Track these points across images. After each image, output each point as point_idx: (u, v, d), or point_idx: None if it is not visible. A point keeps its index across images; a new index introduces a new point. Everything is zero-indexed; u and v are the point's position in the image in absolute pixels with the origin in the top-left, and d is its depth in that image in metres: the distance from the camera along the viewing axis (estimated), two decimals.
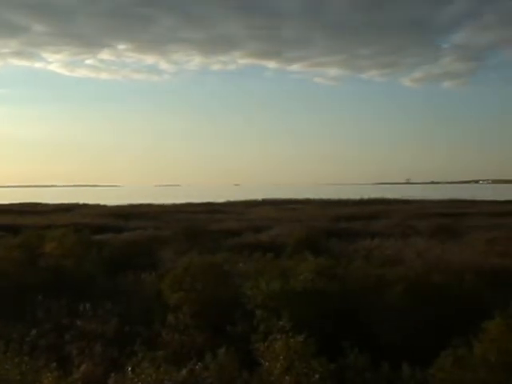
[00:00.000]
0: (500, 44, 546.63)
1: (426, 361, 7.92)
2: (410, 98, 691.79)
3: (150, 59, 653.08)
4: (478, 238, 24.66)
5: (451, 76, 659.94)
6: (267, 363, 7.86)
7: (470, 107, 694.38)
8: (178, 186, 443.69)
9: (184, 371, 7.50)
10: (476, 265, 15.18)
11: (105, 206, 58.47)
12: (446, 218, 35.93)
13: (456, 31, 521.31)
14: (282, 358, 7.76)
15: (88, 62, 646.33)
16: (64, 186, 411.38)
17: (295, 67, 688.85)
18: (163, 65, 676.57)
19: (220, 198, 79.63)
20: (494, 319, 8.28)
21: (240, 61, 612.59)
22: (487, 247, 20.90)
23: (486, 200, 69.22)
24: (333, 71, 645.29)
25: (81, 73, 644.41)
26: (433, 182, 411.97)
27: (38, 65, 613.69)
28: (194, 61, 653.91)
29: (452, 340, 8.08)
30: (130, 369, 7.70)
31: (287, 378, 7.35)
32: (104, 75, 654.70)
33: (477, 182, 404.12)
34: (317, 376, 7.29)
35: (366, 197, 73.31)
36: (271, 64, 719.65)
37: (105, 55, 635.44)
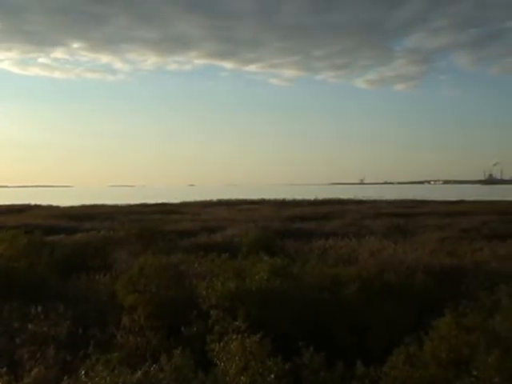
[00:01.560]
0: (449, 48, 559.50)
1: (379, 359, 8.06)
2: (363, 100, 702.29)
3: (104, 58, 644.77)
4: (429, 237, 25.21)
5: (403, 78, 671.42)
6: (223, 364, 7.88)
7: (421, 109, 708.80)
8: (132, 186, 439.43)
9: (139, 373, 7.43)
10: (427, 264, 15.51)
11: (57, 207, 57.56)
12: (399, 218, 36.59)
13: (408, 34, 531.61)
14: (237, 358, 7.78)
15: (41, 60, 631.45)
16: (15, 186, 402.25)
17: (251, 68, 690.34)
18: (118, 64, 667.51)
19: (175, 199, 79.26)
20: (444, 317, 8.50)
21: (196, 61, 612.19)
22: (437, 246, 21.38)
23: (436, 200, 70.75)
24: (288, 72, 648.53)
25: (33, 71, 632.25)
26: (386, 183, 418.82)
27: None
28: (150, 60, 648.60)
29: (404, 338, 8.25)
30: (83, 372, 7.60)
31: (242, 378, 7.37)
32: (57, 74, 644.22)
33: (428, 182, 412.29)
34: (272, 376, 7.33)
35: (320, 197, 74.11)
36: (227, 64, 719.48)
37: (58, 54, 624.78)
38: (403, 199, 72.90)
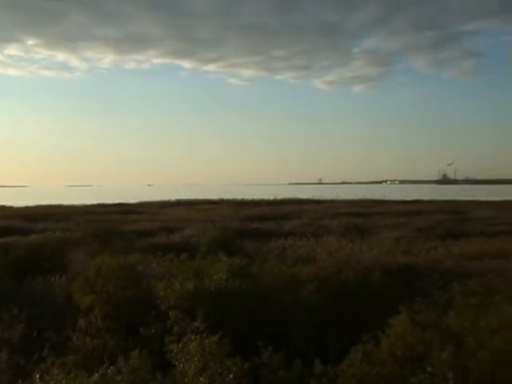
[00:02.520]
0: (408, 50, 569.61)
1: (338, 357, 8.14)
2: (323, 100, 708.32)
3: (60, 56, 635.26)
4: (385, 236, 25.59)
5: (362, 79, 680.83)
6: (181, 364, 7.84)
7: (379, 110, 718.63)
8: (90, 186, 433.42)
9: (96, 376, 7.33)
10: (383, 263, 15.73)
11: (11, 208, 56.36)
12: (356, 218, 37.03)
13: (366, 36, 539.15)
14: (196, 358, 7.75)
15: None
16: None
17: (210, 67, 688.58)
18: (74, 62, 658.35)
19: (133, 199, 78.54)
20: (399, 315, 8.64)
21: (155, 60, 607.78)
22: (394, 246, 21.71)
23: (393, 200, 71.83)
24: (248, 72, 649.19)
25: None
26: (344, 182, 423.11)
27: None
28: (108, 59, 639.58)
29: (362, 336, 8.35)
30: (38, 376, 7.45)
31: (201, 378, 7.34)
32: (11, 71, 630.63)
33: (385, 182, 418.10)
34: (231, 376, 7.33)
35: (279, 197, 74.42)
36: (186, 64, 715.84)
37: (12, 50, 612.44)
38: (361, 199, 73.73)
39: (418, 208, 49.47)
